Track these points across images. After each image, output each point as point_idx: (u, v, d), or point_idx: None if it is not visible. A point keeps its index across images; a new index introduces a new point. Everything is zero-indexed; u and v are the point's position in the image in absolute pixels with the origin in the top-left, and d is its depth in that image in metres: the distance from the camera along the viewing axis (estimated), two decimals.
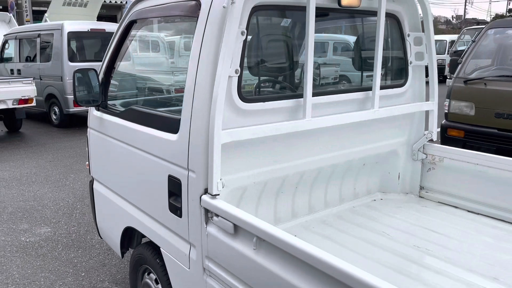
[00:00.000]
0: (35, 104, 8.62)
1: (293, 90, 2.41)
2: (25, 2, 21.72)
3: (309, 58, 2.09)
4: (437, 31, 44.63)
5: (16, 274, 3.54)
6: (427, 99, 2.85)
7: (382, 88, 2.62)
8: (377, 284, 1.23)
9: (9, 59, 10.77)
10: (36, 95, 8.51)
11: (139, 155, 2.35)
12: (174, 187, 2.09)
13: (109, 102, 2.76)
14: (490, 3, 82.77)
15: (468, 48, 5.82)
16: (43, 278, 3.47)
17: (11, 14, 15.02)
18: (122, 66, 2.74)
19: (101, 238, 3.20)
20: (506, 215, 2.54)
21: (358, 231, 2.44)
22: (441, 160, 2.85)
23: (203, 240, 1.95)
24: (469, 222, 2.55)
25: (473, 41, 5.80)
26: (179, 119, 2.03)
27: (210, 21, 1.90)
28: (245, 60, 2.02)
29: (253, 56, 2.14)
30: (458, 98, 5.51)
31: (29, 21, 20.14)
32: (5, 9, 26.44)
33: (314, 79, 2.17)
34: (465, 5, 65.41)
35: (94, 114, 2.87)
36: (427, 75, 2.75)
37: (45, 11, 15.25)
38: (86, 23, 9.63)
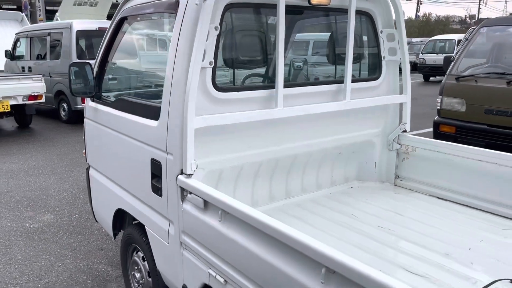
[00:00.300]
0: (44, 101, 8.92)
1: (268, 82, 2.59)
2: (38, 1, 22.18)
3: (279, 52, 2.28)
4: (451, 31, 44.37)
5: (19, 256, 3.78)
6: (401, 93, 3.02)
7: (357, 81, 2.80)
8: (321, 248, 1.41)
9: (20, 57, 11.10)
10: (45, 91, 8.81)
11: (127, 141, 2.56)
12: (156, 169, 2.29)
13: (103, 94, 2.98)
14: (506, 3, 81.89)
15: (461, 46, 5.94)
16: (44, 260, 3.71)
17: (23, 14, 15.40)
18: (115, 60, 2.95)
19: (97, 221, 3.42)
20: (471, 201, 2.70)
21: (330, 214, 2.61)
22: (414, 150, 3.02)
23: (180, 216, 2.15)
24: (436, 208, 2.71)
25: (466, 39, 5.92)
26: (160, 107, 2.23)
27: (186, 17, 2.10)
28: (221, 52, 2.22)
29: (228, 50, 2.34)
30: (450, 95, 5.64)
31: (42, 20, 20.57)
32: (19, 8, 26.97)
33: (288, 73, 2.35)
34: (479, 4, 64.72)
35: (89, 105, 3.09)
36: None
37: (57, 11, 15.62)
38: (94, 22, 9.91)
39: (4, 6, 42.94)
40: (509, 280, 1.89)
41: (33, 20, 20.58)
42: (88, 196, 3.44)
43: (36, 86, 8.61)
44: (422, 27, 47.25)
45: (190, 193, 2.04)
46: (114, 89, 3.03)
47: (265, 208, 2.68)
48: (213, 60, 2.13)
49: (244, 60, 2.42)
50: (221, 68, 2.39)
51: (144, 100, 2.56)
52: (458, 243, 2.23)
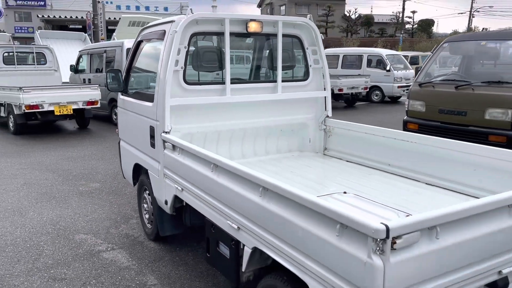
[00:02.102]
0: (99, 106, 10.84)
1: (221, 80, 4.02)
2: (101, 22, 24.89)
3: (227, 61, 3.75)
4: None
5: (74, 205, 5.44)
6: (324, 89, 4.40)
7: (291, 81, 4.23)
8: (257, 175, 2.83)
9: (82, 71, 13.25)
10: (100, 99, 10.73)
11: (138, 117, 4.12)
12: (152, 132, 3.82)
13: (128, 90, 4.57)
14: None
15: (427, 58, 7.13)
16: (90, 207, 5.35)
17: (86, 34, 17.84)
18: (134, 68, 4.54)
19: (124, 177, 5.01)
20: (369, 163, 3.98)
21: (271, 167, 4.00)
22: (333, 129, 4.37)
23: (163, 158, 3.65)
24: (348, 168, 4.00)
25: (432, 53, 7.11)
26: (153, 94, 3.76)
27: (167, 41, 3.63)
28: (190, 61, 3.73)
29: (195, 60, 3.82)
30: (414, 98, 6.84)
31: (103, 39, 23.17)
32: (84, 28, 30.03)
33: (238, 74, 3.81)
34: None
35: (120, 97, 4.70)
36: None
37: (115, 30, 17.94)
38: None
39: (71, 26, 46.82)
40: (343, 192, 3.21)
41: (95, 38, 23.18)
42: (119, 161, 5.03)
43: (93, 94, 10.55)
44: None
45: (167, 142, 3.55)
46: (133, 86, 4.60)
47: None
48: (183, 66, 3.65)
49: (205, 66, 3.89)
50: (191, 70, 3.88)
51: (147, 91, 4.12)
52: (354, 185, 3.47)
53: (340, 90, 14.96)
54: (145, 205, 4.39)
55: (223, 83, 3.88)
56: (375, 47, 29.82)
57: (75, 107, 10.34)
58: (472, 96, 6.08)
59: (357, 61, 17.95)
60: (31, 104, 9.75)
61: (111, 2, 43.08)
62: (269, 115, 4.24)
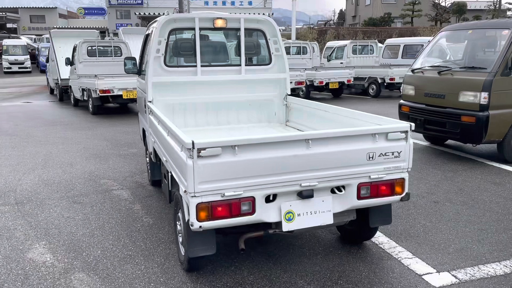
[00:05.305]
0: None
1: (194, 63, 5.26)
2: None
3: (197, 49, 5.01)
4: None
5: (111, 162, 7.09)
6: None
7: (255, 65, 5.38)
8: (179, 134, 4.14)
9: None
10: None
11: (141, 92, 5.56)
12: (145, 102, 5.22)
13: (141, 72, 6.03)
14: None
15: (424, 46, 7.72)
16: (121, 164, 6.95)
17: None
18: (145, 55, 5.98)
19: (142, 140, 6.52)
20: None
21: (239, 131, 5.20)
22: (291, 104, 5.44)
23: (148, 121, 5.03)
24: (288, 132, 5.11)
25: (429, 41, 7.69)
26: (145, 75, 5.16)
27: (153, 34, 4.99)
28: (171, 49, 5.05)
29: (174, 48, 5.13)
30: (407, 83, 7.54)
31: None
32: None
33: (208, 59, 5.07)
34: None
35: (137, 79, 6.18)
36: None
37: None
38: None
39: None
40: None
41: None
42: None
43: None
44: None
45: (148, 107, 4.92)
46: (143, 70, 6.05)
47: (203, 128, 5.40)
48: (163, 53, 4.98)
49: (182, 53, 5.18)
50: (171, 57, 5.19)
51: (144, 72, 5.55)
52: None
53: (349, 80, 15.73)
54: (147, 159, 5.85)
55: (195, 66, 5.15)
56: None
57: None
58: (450, 81, 6.70)
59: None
60: (104, 89, 11.83)
61: None
62: (239, 92, 5.42)
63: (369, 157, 3.29)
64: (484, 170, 6.38)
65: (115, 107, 13.91)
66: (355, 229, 3.97)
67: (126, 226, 4.50)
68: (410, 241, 4.11)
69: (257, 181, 3.04)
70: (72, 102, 14.83)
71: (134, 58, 5.93)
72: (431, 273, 3.54)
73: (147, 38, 5.86)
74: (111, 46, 14.39)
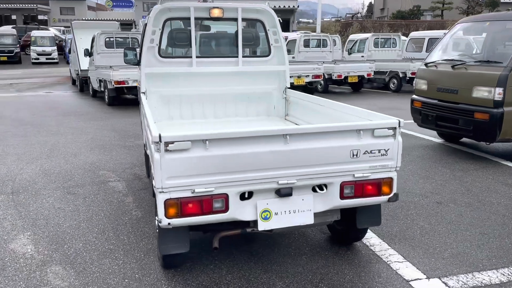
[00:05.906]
0: None
1: (189, 54, 5.12)
2: None
3: (193, 39, 4.88)
4: None
5: (114, 153, 7.07)
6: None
7: (254, 57, 5.21)
8: (153, 128, 4.04)
9: None
10: None
11: (139, 81, 5.47)
12: (140, 91, 5.13)
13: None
14: None
15: (439, 39, 7.36)
16: (124, 156, 6.92)
17: None
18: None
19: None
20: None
21: (230, 125, 5.07)
22: (291, 98, 5.25)
23: (141, 105, 4.94)
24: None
25: (444, 34, 7.32)
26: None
27: (147, 24, 4.88)
28: (166, 40, 4.93)
29: (169, 39, 5.01)
30: (420, 77, 7.21)
31: None
32: None
33: (203, 50, 4.93)
34: None
35: (137, 70, 6.10)
36: None
37: None
38: None
39: None
40: None
41: None
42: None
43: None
44: None
45: (142, 97, 4.83)
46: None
47: (200, 121, 5.27)
48: (158, 43, 4.87)
49: (177, 44, 5.06)
50: (167, 47, 5.07)
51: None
52: None
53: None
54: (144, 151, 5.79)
55: (190, 57, 5.02)
56: None
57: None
58: (464, 75, 6.37)
59: None
60: (119, 80, 11.85)
61: None
62: (237, 84, 5.27)
63: (353, 155, 3.09)
64: (497, 170, 6.04)
65: (132, 99, 13.95)
66: (344, 230, 3.78)
67: (114, 219, 4.43)
68: (404, 243, 3.90)
69: (231, 177, 2.89)
70: (91, 92, 14.98)
71: (134, 49, 5.86)
72: (420, 279, 3.33)
73: (145, 28, 5.76)
74: (128, 38, 14.42)
